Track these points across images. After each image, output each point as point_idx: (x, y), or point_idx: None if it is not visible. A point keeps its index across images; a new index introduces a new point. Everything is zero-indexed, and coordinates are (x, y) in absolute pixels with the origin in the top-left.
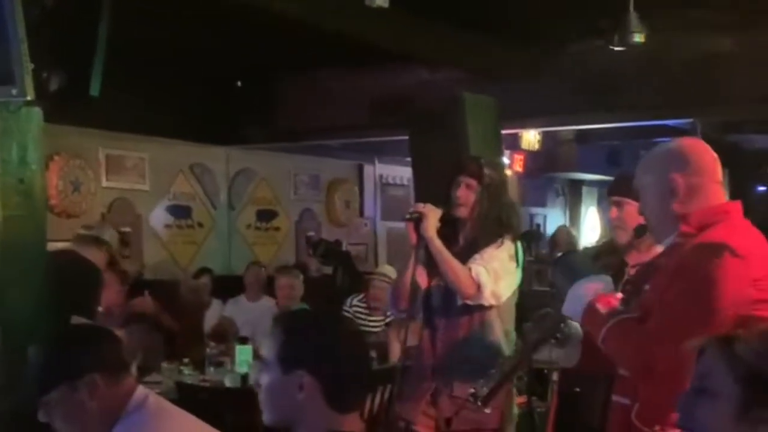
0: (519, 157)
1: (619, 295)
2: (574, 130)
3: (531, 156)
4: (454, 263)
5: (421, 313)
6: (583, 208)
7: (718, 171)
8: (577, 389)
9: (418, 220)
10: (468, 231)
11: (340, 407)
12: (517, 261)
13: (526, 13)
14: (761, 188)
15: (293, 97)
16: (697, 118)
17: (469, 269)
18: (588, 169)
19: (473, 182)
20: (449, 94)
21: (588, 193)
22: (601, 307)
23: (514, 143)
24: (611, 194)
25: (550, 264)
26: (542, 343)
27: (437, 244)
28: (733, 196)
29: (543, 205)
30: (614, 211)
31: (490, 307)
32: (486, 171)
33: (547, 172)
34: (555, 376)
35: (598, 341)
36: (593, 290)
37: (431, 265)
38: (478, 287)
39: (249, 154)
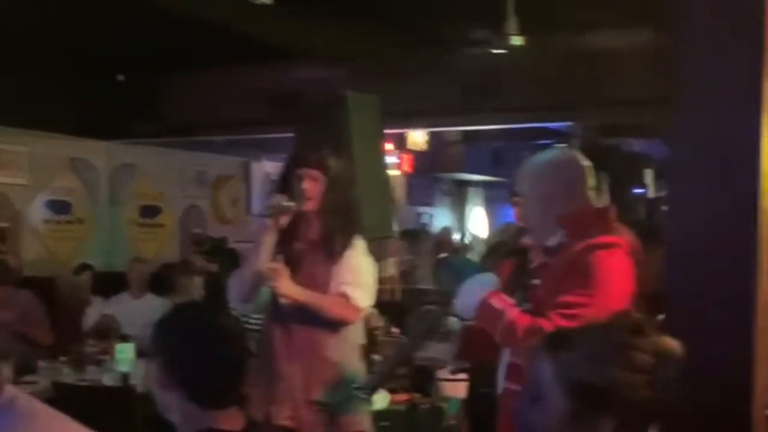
0: (407, 157)
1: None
2: (460, 131)
3: (418, 156)
4: (330, 303)
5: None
6: (468, 208)
7: (591, 179)
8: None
9: (275, 216)
10: (316, 226)
11: (208, 404)
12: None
13: (413, 13)
14: (638, 191)
15: (180, 93)
16: (577, 121)
17: (346, 296)
18: (474, 169)
19: (319, 174)
20: (335, 91)
21: (474, 194)
22: (496, 303)
23: (402, 143)
24: (513, 195)
25: (435, 263)
26: (426, 338)
27: (305, 297)
28: (612, 198)
29: (430, 204)
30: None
31: None
32: (331, 163)
33: (434, 172)
34: (440, 374)
35: (495, 334)
36: (485, 287)
37: (289, 260)
38: (359, 311)
39: (132, 149)
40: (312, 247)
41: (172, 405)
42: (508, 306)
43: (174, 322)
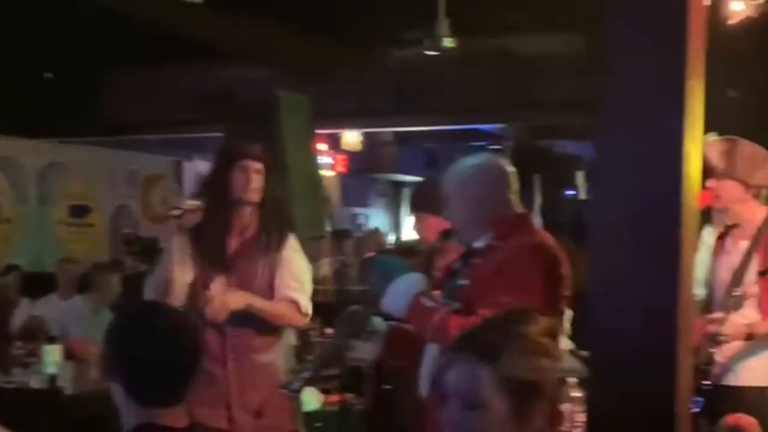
0: (341, 158)
1: (436, 292)
2: (393, 132)
3: (353, 156)
4: (280, 310)
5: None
6: (404, 209)
7: (515, 183)
8: (389, 387)
9: (180, 218)
10: (252, 221)
11: (150, 402)
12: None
13: (347, 14)
14: (570, 192)
15: (111, 92)
16: (509, 123)
17: (295, 302)
18: (408, 170)
19: (261, 167)
20: (268, 91)
21: (409, 195)
22: (427, 302)
23: (336, 143)
24: (411, 209)
25: (361, 262)
26: (353, 338)
27: (258, 306)
28: (544, 199)
29: (365, 205)
30: (415, 224)
31: None
32: (270, 156)
33: (368, 173)
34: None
35: (426, 333)
36: (414, 286)
37: (206, 260)
38: (306, 316)
39: (61, 147)
40: (247, 244)
41: (116, 396)
42: (439, 305)
43: (119, 322)
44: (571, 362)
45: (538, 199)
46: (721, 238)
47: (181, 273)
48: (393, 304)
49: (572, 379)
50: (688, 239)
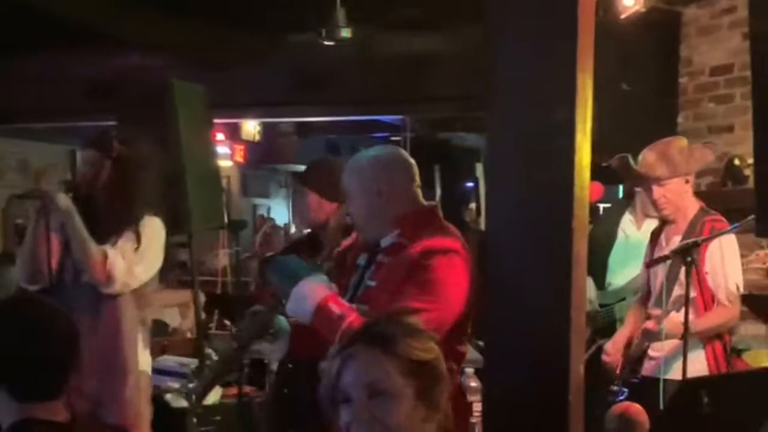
0: (239, 148)
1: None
2: (294, 122)
3: (251, 147)
4: (91, 246)
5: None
6: None
7: (417, 175)
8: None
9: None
10: (94, 208)
11: (28, 398)
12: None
13: (245, 1)
14: (470, 184)
15: (0, 79)
16: (407, 115)
17: (105, 254)
18: (308, 161)
19: (96, 156)
20: (162, 80)
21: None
22: (334, 307)
23: (235, 133)
24: (300, 184)
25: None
26: (256, 340)
27: (77, 221)
28: (444, 191)
29: (266, 196)
30: (299, 199)
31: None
32: (116, 144)
33: (268, 164)
34: (274, 367)
35: (333, 339)
36: (318, 290)
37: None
38: (109, 272)
39: None
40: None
41: None
42: (347, 310)
43: None
44: (469, 352)
45: (438, 191)
46: (657, 234)
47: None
48: (297, 310)
49: (470, 369)
50: (579, 230)
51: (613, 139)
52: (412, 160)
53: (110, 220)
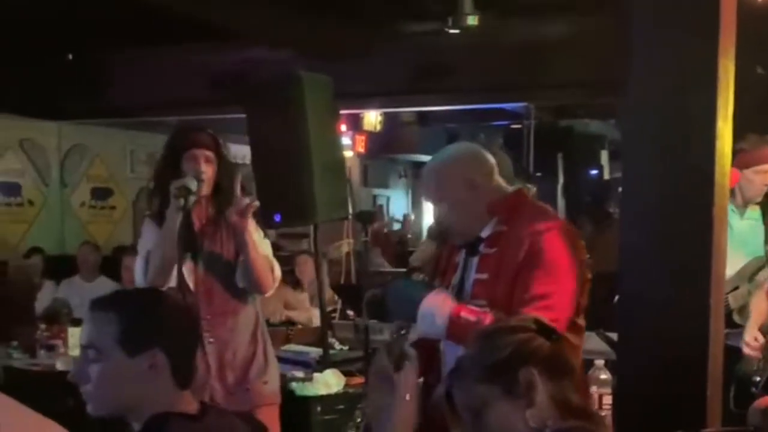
0: (361, 138)
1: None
2: (414, 112)
3: (373, 137)
4: (263, 260)
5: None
6: None
7: (503, 166)
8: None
9: (183, 197)
10: (205, 209)
11: (184, 382)
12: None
13: None
14: (594, 171)
15: (127, 73)
16: (530, 102)
17: (271, 262)
18: (429, 150)
19: (211, 155)
20: (286, 72)
21: None
22: (467, 315)
23: (356, 124)
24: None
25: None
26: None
27: (250, 236)
28: (567, 179)
29: (386, 186)
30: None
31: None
32: (219, 143)
33: (388, 154)
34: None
35: None
36: (442, 304)
37: (189, 245)
38: (276, 279)
39: (83, 129)
40: (208, 227)
41: (144, 395)
42: (479, 314)
43: (159, 308)
44: (597, 344)
45: (560, 179)
46: None
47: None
48: (430, 329)
49: (600, 361)
50: (719, 218)
51: (749, 124)
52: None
53: (222, 220)
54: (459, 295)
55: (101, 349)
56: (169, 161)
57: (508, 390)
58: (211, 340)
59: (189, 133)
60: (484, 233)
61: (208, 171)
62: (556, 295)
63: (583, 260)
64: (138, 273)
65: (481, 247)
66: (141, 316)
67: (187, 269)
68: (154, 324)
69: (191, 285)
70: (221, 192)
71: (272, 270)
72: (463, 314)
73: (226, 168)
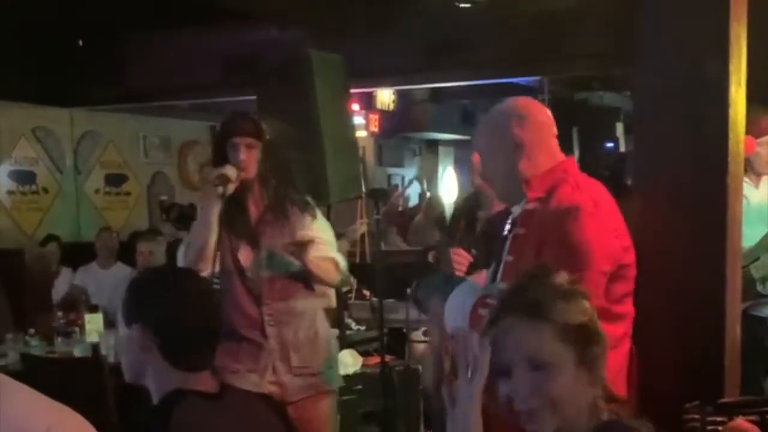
0: (374, 117)
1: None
2: (428, 89)
3: (386, 116)
4: (325, 263)
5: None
6: (440, 168)
7: (554, 126)
8: None
9: (223, 185)
10: (261, 195)
11: (185, 365)
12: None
13: None
14: (609, 144)
15: (139, 57)
16: (544, 76)
17: (332, 259)
18: (443, 128)
19: (253, 141)
20: (297, 52)
21: (445, 153)
22: (483, 312)
23: (369, 103)
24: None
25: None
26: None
27: (313, 252)
28: (582, 153)
29: (400, 165)
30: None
31: None
32: (263, 128)
33: (402, 132)
34: (414, 336)
35: None
36: (467, 300)
37: (234, 228)
38: (343, 272)
39: (95, 116)
40: (265, 214)
41: (147, 368)
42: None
43: (155, 286)
44: None
45: (576, 153)
46: None
47: (214, 239)
48: (455, 322)
49: None
50: (734, 186)
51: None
52: (547, 110)
53: (284, 203)
54: (494, 278)
55: (119, 319)
56: (216, 150)
57: (581, 360)
58: (272, 323)
59: (230, 122)
60: (516, 210)
61: (249, 158)
62: (584, 284)
63: (621, 244)
64: (179, 258)
65: (513, 227)
66: (133, 290)
67: (244, 255)
68: (142, 299)
69: (247, 270)
70: (270, 177)
71: (336, 266)
72: (480, 309)
73: (273, 152)
